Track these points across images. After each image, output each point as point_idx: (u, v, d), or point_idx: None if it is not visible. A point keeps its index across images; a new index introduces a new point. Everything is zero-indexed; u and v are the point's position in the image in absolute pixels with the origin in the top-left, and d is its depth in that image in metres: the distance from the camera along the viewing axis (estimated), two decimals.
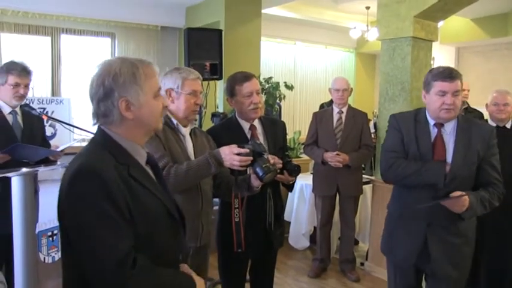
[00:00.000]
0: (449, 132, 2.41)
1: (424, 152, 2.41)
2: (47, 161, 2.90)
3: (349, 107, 4.26)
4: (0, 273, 1.67)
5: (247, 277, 2.82)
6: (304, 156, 5.17)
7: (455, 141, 2.39)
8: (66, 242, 1.39)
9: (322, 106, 5.66)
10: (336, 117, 4.21)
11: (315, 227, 4.69)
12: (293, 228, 4.93)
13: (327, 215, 4.30)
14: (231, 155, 2.06)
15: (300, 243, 4.93)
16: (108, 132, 1.44)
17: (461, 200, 2.22)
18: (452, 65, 8.34)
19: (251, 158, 2.08)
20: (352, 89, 4.30)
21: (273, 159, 2.20)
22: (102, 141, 1.44)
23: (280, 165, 2.31)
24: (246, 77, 2.56)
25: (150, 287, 1.37)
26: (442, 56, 8.47)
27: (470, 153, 2.36)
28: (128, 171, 1.39)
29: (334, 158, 4.02)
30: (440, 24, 6.37)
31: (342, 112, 4.20)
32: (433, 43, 4.32)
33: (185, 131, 2.30)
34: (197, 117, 4.19)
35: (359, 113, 4.26)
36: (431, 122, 2.44)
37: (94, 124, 1.47)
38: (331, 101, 5.58)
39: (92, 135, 1.52)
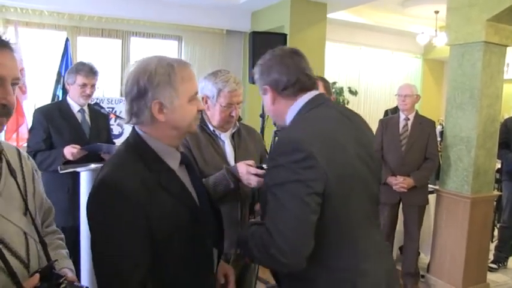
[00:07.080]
0: None
1: None
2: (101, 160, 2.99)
3: (417, 114, 4.10)
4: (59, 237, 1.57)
5: None
6: None
7: None
8: None
9: (386, 112, 5.53)
10: (402, 123, 4.07)
11: None
12: None
13: (388, 225, 4.11)
14: (248, 175, 1.94)
15: None
16: (141, 133, 1.42)
17: None
18: None
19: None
20: (418, 96, 4.11)
21: None
22: (134, 144, 1.41)
23: None
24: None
25: None
26: None
27: None
28: (158, 180, 1.35)
29: (398, 184, 3.90)
30: None
31: (409, 119, 4.06)
32: (510, 48, 4.09)
33: (224, 136, 2.21)
34: (260, 120, 4.21)
35: (426, 120, 4.09)
36: None
37: (126, 122, 1.43)
38: (396, 108, 5.45)
39: None
